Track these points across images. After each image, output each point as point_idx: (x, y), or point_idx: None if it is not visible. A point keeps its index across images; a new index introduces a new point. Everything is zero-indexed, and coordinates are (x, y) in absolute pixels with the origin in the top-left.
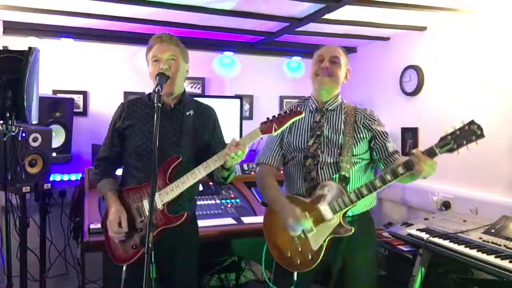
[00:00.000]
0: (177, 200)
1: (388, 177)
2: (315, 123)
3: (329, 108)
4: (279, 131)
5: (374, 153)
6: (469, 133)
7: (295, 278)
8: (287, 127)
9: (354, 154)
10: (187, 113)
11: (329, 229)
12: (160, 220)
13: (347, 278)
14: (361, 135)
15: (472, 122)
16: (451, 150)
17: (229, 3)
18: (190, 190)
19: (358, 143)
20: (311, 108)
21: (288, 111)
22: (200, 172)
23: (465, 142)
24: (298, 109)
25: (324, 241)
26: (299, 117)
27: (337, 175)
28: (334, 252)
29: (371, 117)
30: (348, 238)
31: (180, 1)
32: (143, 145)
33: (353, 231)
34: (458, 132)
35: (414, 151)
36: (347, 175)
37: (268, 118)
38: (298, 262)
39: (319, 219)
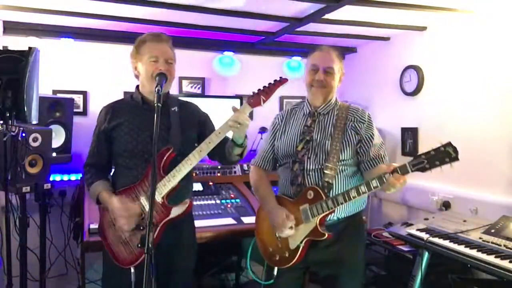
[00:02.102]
0: (175, 190)
1: (363, 188)
2: (306, 127)
3: (322, 112)
4: (267, 101)
5: (358, 156)
6: (444, 154)
7: (275, 273)
8: (278, 119)
9: (341, 159)
10: (172, 109)
11: (306, 231)
12: (161, 213)
13: (334, 281)
14: (349, 139)
15: (448, 144)
16: (423, 170)
17: (229, 3)
18: (187, 182)
19: (346, 148)
20: (305, 111)
21: (273, 81)
22: (194, 157)
23: (438, 163)
24: (284, 77)
25: (301, 242)
26: (284, 84)
27: (321, 182)
28: (316, 253)
29: (362, 118)
30: (334, 240)
31: (180, 1)
32: (133, 142)
33: (326, 236)
34: (433, 153)
35: (387, 168)
36: (330, 181)
37: (254, 92)
38: (277, 258)
39: (299, 221)
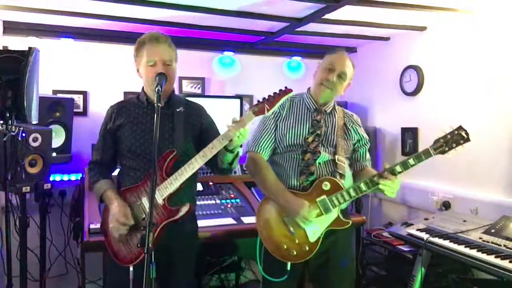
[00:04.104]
0: (177, 193)
1: (398, 168)
2: (316, 121)
3: (327, 111)
4: (271, 111)
5: (354, 154)
6: (457, 137)
7: (288, 268)
8: (279, 108)
9: (345, 154)
10: (177, 110)
11: (328, 222)
12: (162, 215)
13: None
14: (350, 137)
15: (460, 128)
16: (443, 152)
17: (229, 3)
18: (189, 185)
19: (347, 145)
20: (309, 107)
21: (278, 91)
22: (197, 162)
23: (454, 145)
24: (288, 88)
25: (322, 234)
26: (290, 95)
27: (335, 173)
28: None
29: (357, 122)
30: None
31: (181, 1)
32: (136, 143)
33: (350, 223)
34: (448, 136)
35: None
36: (343, 173)
37: (259, 101)
38: (295, 253)
39: (318, 213)
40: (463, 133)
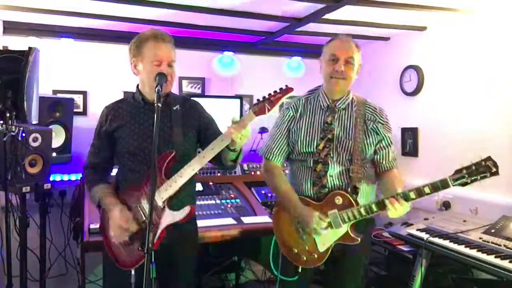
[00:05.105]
0: (176, 195)
1: (412, 194)
2: (326, 124)
3: (341, 107)
4: (272, 111)
5: (376, 156)
6: (484, 169)
7: (300, 270)
8: (293, 110)
9: (363, 159)
10: (174, 108)
11: (337, 236)
12: (162, 217)
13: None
14: (371, 140)
15: (488, 159)
16: (463, 184)
17: (229, 3)
18: (189, 185)
19: (368, 149)
20: (322, 105)
21: (278, 90)
22: (197, 163)
23: (479, 177)
24: (289, 86)
25: (331, 245)
26: (290, 94)
27: (348, 186)
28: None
29: (380, 119)
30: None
31: (180, 1)
32: (134, 143)
33: (359, 241)
34: (473, 168)
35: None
36: (357, 186)
37: (258, 100)
38: (304, 259)
39: (328, 225)
40: (491, 165)
